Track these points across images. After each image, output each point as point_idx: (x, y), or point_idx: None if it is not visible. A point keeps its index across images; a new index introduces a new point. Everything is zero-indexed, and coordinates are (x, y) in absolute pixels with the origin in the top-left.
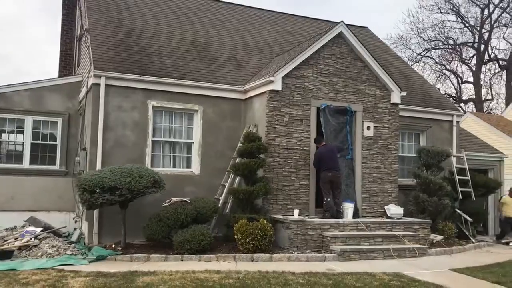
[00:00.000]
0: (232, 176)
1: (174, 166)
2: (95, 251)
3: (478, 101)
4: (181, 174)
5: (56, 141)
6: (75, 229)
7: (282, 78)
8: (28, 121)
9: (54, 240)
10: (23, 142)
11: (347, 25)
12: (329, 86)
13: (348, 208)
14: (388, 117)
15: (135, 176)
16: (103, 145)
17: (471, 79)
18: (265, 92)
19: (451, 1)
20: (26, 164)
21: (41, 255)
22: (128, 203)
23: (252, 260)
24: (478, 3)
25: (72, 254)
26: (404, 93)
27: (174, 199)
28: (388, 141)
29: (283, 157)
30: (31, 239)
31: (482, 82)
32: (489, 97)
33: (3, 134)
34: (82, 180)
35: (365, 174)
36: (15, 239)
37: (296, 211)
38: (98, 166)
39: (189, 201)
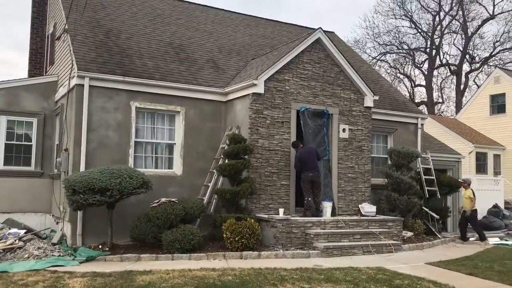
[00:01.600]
0: (216, 176)
1: (156, 167)
2: (83, 252)
3: (430, 104)
4: (164, 174)
5: (31, 142)
6: (51, 230)
7: (265, 81)
8: (2, 121)
9: (39, 241)
10: None
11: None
12: (308, 89)
13: (327, 206)
14: (362, 119)
15: (125, 177)
16: (87, 146)
17: (423, 82)
18: (248, 94)
19: (405, 8)
20: (0, 165)
21: (28, 257)
22: (115, 203)
23: (241, 258)
24: (430, 10)
25: (59, 255)
26: (376, 97)
27: (163, 199)
28: (362, 142)
29: (265, 158)
30: (15, 241)
31: (434, 86)
32: (440, 100)
33: None
34: (71, 181)
35: (340, 174)
36: None
37: (281, 210)
38: (82, 167)
39: (177, 201)
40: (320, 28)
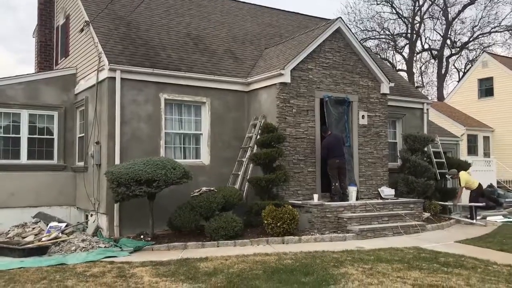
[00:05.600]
0: (246, 165)
1: (184, 157)
2: (128, 243)
3: None
4: (193, 164)
5: (52, 135)
6: (78, 222)
7: (290, 71)
8: (24, 115)
9: (81, 234)
10: (20, 137)
11: (322, 18)
12: (329, 78)
13: (353, 191)
14: (379, 106)
15: (169, 168)
16: (121, 138)
17: (404, 67)
18: (274, 84)
19: None
20: (23, 159)
21: (75, 249)
22: (156, 194)
23: (283, 243)
24: None
25: (105, 247)
26: (392, 84)
27: (204, 188)
28: (379, 128)
29: (293, 146)
30: (58, 234)
31: (414, 70)
32: (421, 84)
33: None
34: (116, 174)
35: (361, 159)
36: (35, 235)
37: (316, 196)
38: (117, 159)
39: (216, 190)
40: (340, 17)
